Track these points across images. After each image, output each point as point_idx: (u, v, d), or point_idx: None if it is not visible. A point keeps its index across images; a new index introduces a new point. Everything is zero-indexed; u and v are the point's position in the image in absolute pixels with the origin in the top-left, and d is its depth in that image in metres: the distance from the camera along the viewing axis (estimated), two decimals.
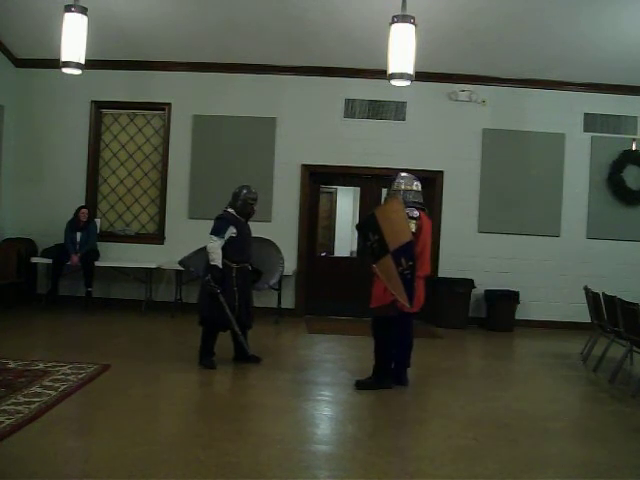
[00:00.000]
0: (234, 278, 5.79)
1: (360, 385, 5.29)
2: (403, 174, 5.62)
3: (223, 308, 5.70)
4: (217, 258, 5.66)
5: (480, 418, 4.70)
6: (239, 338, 5.95)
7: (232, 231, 5.74)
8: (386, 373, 5.34)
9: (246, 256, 5.95)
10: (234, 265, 5.80)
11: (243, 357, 6.03)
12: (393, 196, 5.35)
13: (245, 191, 5.88)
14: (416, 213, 5.31)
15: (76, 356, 5.91)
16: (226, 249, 5.72)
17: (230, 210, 5.87)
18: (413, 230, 5.17)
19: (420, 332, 6.99)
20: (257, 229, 6.37)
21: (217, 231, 5.71)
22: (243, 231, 5.87)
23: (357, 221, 9.88)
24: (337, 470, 3.61)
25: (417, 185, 5.53)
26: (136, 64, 9.19)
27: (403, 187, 5.46)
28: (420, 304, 5.36)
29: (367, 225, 5.23)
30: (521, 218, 9.25)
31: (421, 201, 5.50)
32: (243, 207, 5.86)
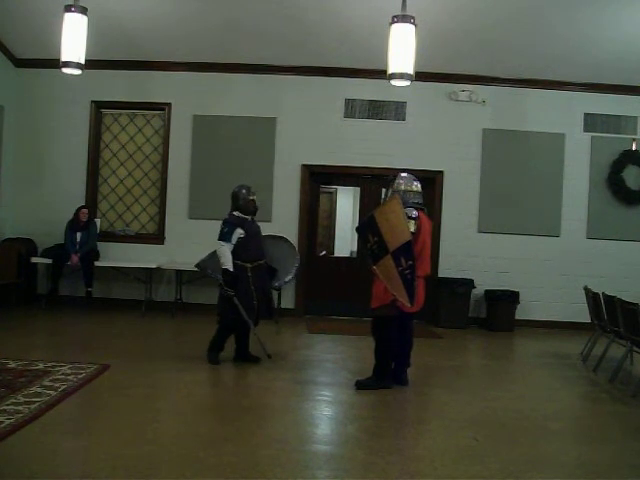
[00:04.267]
0: (250, 277, 5.82)
1: (360, 385, 5.29)
2: (403, 174, 5.62)
3: (238, 310, 5.75)
4: (227, 262, 5.72)
5: (480, 418, 4.70)
6: (260, 339, 6.02)
7: (239, 232, 5.79)
8: (386, 373, 5.34)
9: (259, 253, 5.97)
10: (248, 265, 5.83)
11: (243, 357, 6.06)
12: (392, 196, 5.35)
13: (244, 190, 5.95)
14: (415, 213, 5.30)
15: (76, 356, 5.92)
16: (237, 250, 5.78)
17: (235, 213, 5.92)
18: (412, 230, 5.18)
19: (420, 332, 6.99)
20: None
21: (224, 236, 5.78)
22: (251, 229, 5.92)
23: (357, 221, 9.87)
24: (337, 470, 3.60)
25: (417, 185, 5.52)
26: (136, 64, 9.19)
27: (403, 187, 5.45)
28: (420, 304, 5.37)
29: (366, 227, 5.23)
30: (521, 218, 9.25)
31: (421, 201, 5.50)
32: (245, 205, 5.92)
